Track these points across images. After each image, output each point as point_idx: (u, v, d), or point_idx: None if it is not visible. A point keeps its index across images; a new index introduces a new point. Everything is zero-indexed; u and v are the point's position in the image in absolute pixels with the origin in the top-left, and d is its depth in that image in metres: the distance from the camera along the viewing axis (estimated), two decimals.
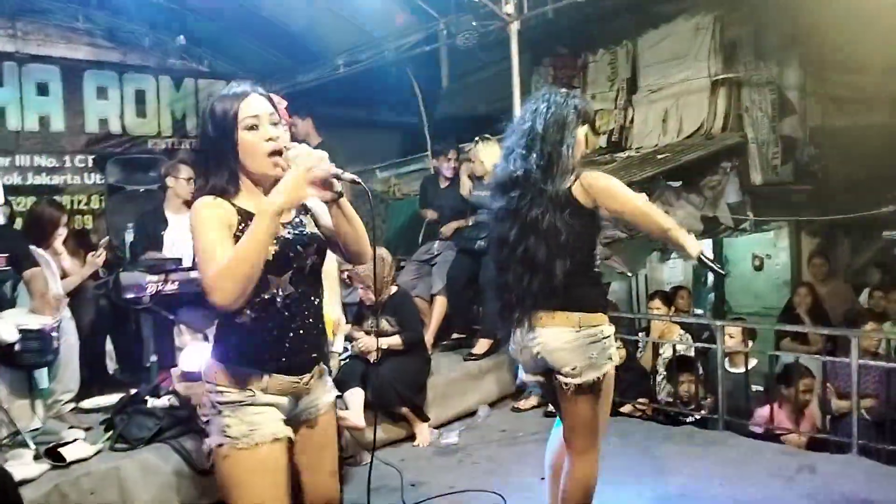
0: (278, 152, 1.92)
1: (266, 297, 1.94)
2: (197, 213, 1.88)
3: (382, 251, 4.53)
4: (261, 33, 7.25)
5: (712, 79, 6.29)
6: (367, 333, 4.40)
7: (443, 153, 5.92)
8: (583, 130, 2.61)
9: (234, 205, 1.93)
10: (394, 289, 4.52)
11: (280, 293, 1.96)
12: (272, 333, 1.96)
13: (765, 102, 6.34)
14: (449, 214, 5.74)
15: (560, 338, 2.49)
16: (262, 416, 1.95)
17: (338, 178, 1.94)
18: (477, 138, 5.49)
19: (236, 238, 1.87)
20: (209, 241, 1.84)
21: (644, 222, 2.52)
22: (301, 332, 2.00)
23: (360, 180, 2.03)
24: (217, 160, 1.94)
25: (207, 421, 2.00)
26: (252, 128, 1.91)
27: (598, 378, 2.49)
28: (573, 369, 2.47)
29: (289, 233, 1.99)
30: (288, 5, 6.77)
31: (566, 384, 2.49)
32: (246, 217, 1.91)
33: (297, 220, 2.04)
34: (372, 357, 4.26)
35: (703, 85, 6.35)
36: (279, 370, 1.97)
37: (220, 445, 1.93)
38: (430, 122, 7.76)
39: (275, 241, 1.90)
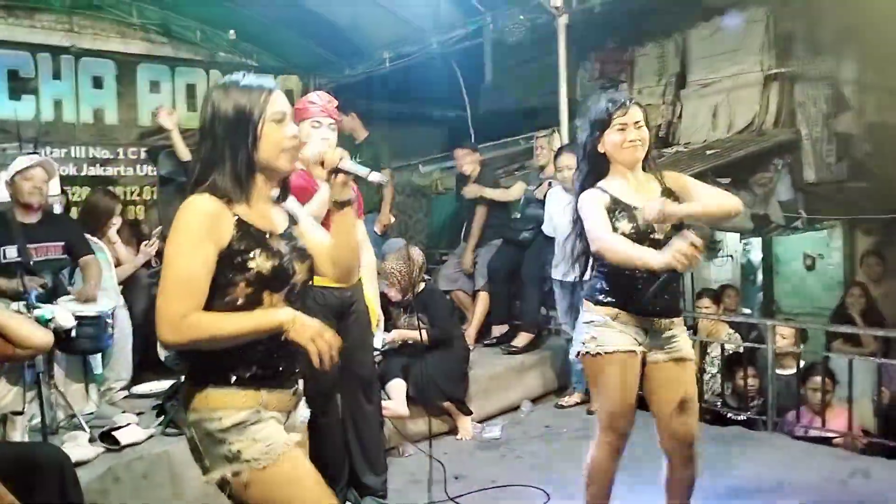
0: (297, 149, 1.87)
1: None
2: (187, 213, 1.71)
3: (413, 251, 4.54)
4: (307, 28, 7.31)
5: (765, 73, 6.16)
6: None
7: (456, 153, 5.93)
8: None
9: (234, 214, 1.76)
10: (422, 286, 4.52)
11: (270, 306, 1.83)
12: (266, 349, 1.80)
13: (819, 98, 6.18)
14: (474, 210, 5.71)
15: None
16: (270, 429, 1.80)
17: (359, 177, 1.91)
18: (555, 129, 5.48)
19: (221, 256, 1.72)
20: (186, 266, 1.68)
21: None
22: (290, 346, 1.80)
23: (385, 183, 2.03)
24: (232, 153, 1.77)
25: (199, 457, 1.80)
26: (279, 121, 1.82)
27: (579, 353, 2.65)
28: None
29: (286, 246, 1.85)
30: (335, 0, 6.82)
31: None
32: (243, 232, 1.75)
33: (288, 231, 1.90)
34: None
35: (756, 79, 6.23)
36: (273, 386, 1.83)
37: (237, 474, 1.75)
38: (474, 116, 7.75)
39: (273, 256, 1.78)
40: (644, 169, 2.65)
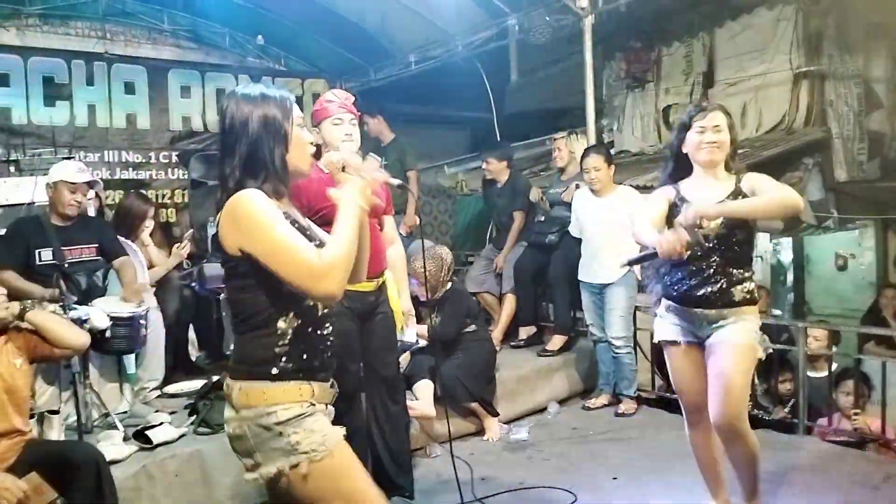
0: (316, 156, 1.97)
1: (308, 303, 1.86)
2: (255, 203, 1.75)
3: (443, 250, 4.55)
4: (335, 32, 7.39)
5: (794, 72, 6.09)
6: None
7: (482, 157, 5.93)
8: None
9: (282, 210, 1.84)
10: (448, 285, 4.52)
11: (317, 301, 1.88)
12: (313, 339, 1.88)
13: (850, 96, 6.08)
14: (501, 214, 5.74)
15: None
16: (322, 421, 1.86)
17: (388, 184, 2.00)
18: (571, 130, 5.48)
19: None
20: (285, 232, 1.74)
21: None
22: (332, 337, 1.93)
23: (406, 185, 2.13)
24: (271, 156, 1.84)
25: (250, 453, 1.82)
26: (301, 127, 1.93)
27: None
28: None
29: (318, 242, 1.90)
30: (362, 4, 6.89)
31: None
32: (293, 226, 1.82)
33: (305, 223, 1.96)
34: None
35: (785, 78, 6.15)
36: (320, 378, 1.89)
37: (295, 466, 1.78)
38: (499, 118, 7.76)
39: (317, 242, 1.85)
40: (727, 169, 2.82)
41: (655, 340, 3.01)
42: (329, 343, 1.93)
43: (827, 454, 3.90)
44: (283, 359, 1.82)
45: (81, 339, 3.07)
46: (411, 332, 3.76)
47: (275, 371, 1.81)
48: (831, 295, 7.06)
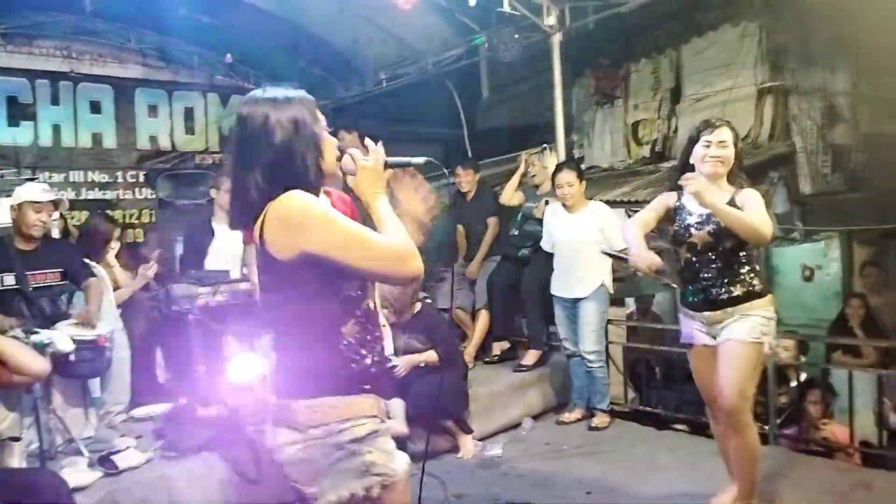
0: (340, 156, 1.84)
1: (365, 306, 1.75)
2: (311, 201, 1.66)
3: None
4: (305, 50, 7.38)
5: (759, 87, 6.18)
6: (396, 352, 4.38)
7: (455, 169, 5.95)
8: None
9: None
10: (418, 306, 4.50)
11: (372, 302, 1.79)
12: (371, 346, 1.76)
13: (813, 110, 6.20)
14: (474, 225, 5.76)
15: None
16: (391, 442, 1.74)
17: (409, 164, 1.90)
18: (546, 146, 5.51)
19: None
20: (353, 224, 1.65)
21: None
22: (383, 347, 1.82)
23: (433, 160, 1.95)
24: (302, 161, 1.73)
25: (317, 477, 1.67)
26: (324, 129, 1.83)
27: None
28: None
29: None
30: (331, 22, 6.88)
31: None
32: None
33: None
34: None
35: (750, 93, 6.25)
36: (381, 392, 1.77)
37: (369, 489, 1.67)
38: (470, 135, 7.79)
39: None
40: (731, 182, 3.01)
41: (684, 340, 3.19)
42: (382, 350, 1.81)
43: (796, 463, 3.93)
44: (349, 369, 1.70)
45: (42, 366, 2.99)
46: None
47: (342, 383, 1.69)
48: (798, 306, 7.16)
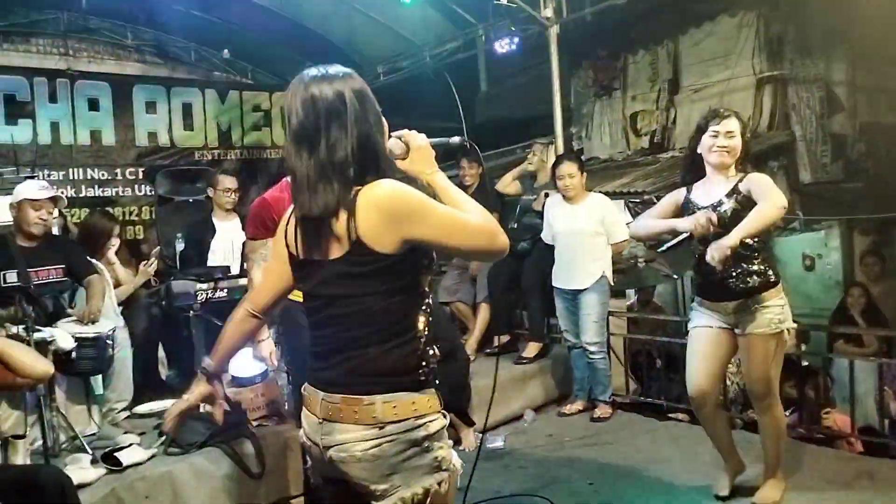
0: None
1: (430, 300, 1.73)
2: (406, 188, 1.61)
3: None
4: (302, 45, 7.36)
5: (757, 77, 6.18)
6: None
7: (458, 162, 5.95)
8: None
9: None
10: None
11: (431, 297, 1.77)
12: (432, 343, 1.72)
13: (812, 99, 6.20)
14: None
15: None
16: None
17: (448, 145, 1.91)
18: (549, 139, 5.50)
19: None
20: (444, 206, 1.64)
21: None
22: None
23: (468, 141, 1.99)
24: (381, 144, 1.68)
25: (388, 475, 1.63)
26: None
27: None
28: None
29: None
30: (329, 16, 6.88)
31: None
32: None
33: None
34: None
35: (748, 83, 6.25)
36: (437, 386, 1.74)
37: (441, 484, 1.66)
38: (469, 128, 7.78)
39: None
40: (738, 170, 3.04)
41: (690, 328, 3.21)
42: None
43: (799, 453, 3.94)
44: (426, 363, 1.68)
45: (45, 368, 2.98)
46: None
47: (421, 378, 1.66)
48: (800, 295, 7.16)
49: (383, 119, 1.70)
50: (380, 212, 1.58)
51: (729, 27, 6.45)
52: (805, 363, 4.74)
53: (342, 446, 1.64)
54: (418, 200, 1.60)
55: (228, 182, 4.75)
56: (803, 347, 4.79)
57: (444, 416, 1.71)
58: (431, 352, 1.71)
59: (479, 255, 1.75)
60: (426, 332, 1.70)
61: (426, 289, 1.72)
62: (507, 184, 5.70)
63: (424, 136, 1.80)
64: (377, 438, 1.61)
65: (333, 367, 1.68)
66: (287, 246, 1.77)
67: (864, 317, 5.57)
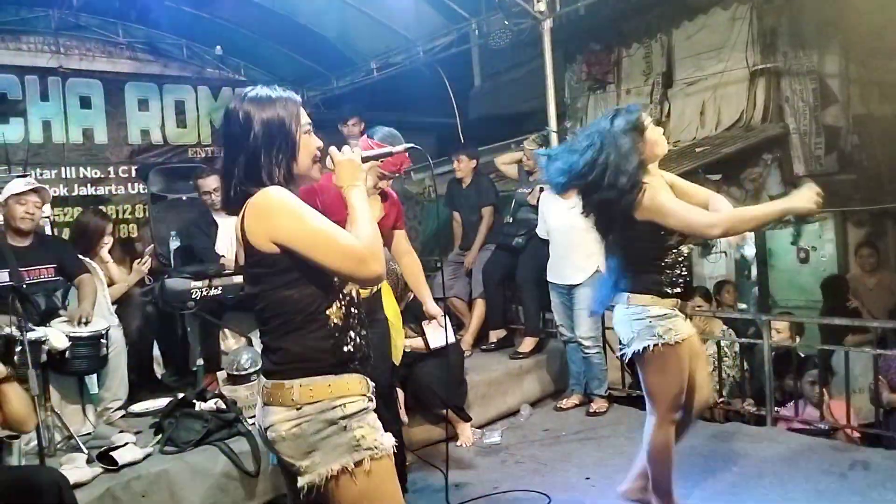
0: (321, 159, 1.95)
1: (347, 292, 1.88)
2: (285, 197, 1.77)
3: (393, 264, 4.52)
4: (295, 41, 7.33)
5: (751, 69, 6.18)
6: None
7: (453, 156, 5.95)
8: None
9: None
10: (411, 296, 4.47)
11: (354, 290, 1.91)
12: (359, 327, 1.89)
13: (806, 92, 6.20)
14: (469, 214, 5.76)
15: (617, 314, 2.93)
16: (377, 420, 1.86)
17: (389, 154, 2.09)
18: (542, 134, 5.49)
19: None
20: (321, 221, 1.76)
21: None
22: (365, 329, 1.93)
23: (418, 147, 2.12)
24: (276, 162, 1.84)
25: (309, 452, 1.78)
26: (307, 133, 1.91)
27: (641, 349, 2.81)
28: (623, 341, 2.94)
29: None
30: (321, 12, 6.84)
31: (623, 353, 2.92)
32: None
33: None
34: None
35: (742, 76, 6.25)
36: (368, 371, 1.90)
37: (360, 463, 1.78)
38: (463, 122, 7.76)
39: None
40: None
41: (680, 338, 2.80)
42: (366, 332, 1.93)
43: (795, 444, 3.96)
44: (341, 349, 1.82)
45: (32, 423, 2.93)
46: (440, 334, 3.77)
47: (335, 362, 1.81)
48: (794, 287, 7.19)
49: (297, 143, 1.87)
50: (255, 215, 1.77)
51: (722, 20, 6.45)
52: (802, 355, 4.75)
53: (273, 427, 1.81)
54: (290, 207, 1.76)
55: (209, 183, 4.69)
56: (798, 340, 4.80)
57: (370, 399, 1.87)
58: (354, 339, 1.86)
59: (343, 277, 1.81)
60: (342, 321, 1.84)
61: (336, 281, 1.83)
62: (507, 162, 5.72)
63: (350, 150, 1.94)
64: (297, 419, 1.78)
65: (267, 356, 1.88)
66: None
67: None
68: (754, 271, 7.74)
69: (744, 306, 7.21)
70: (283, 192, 1.78)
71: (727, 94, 6.34)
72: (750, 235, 7.41)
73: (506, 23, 5.82)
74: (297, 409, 1.78)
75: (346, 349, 1.83)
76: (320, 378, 1.79)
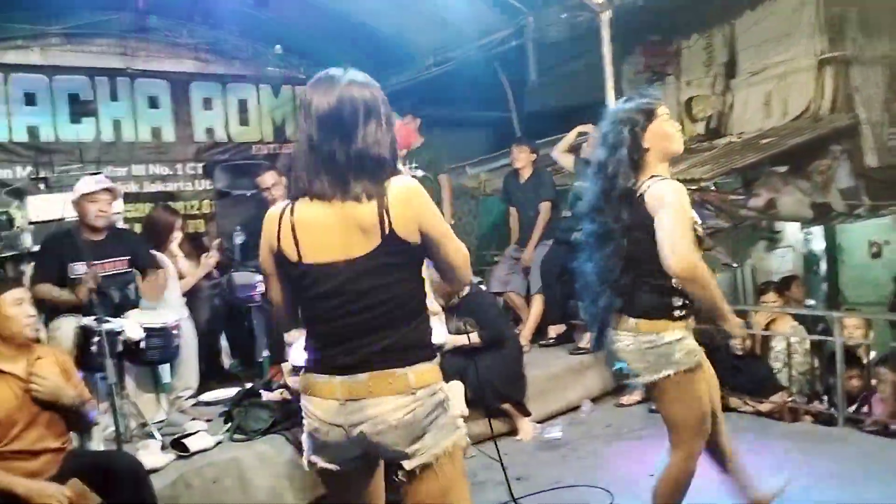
0: None
1: None
2: (423, 190, 1.85)
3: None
4: (352, 38, 7.40)
5: (818, 58, 5.97)
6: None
7: (514, 146, 5.93)
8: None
9: None
10: (466, 290, 4.47)
11: None
12: None
13: (877, 80, 5.96)
14: (527, 209, 5.73)
15: (621, 342, 2.61)
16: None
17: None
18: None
19: None
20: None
21: None
22: None
23: (428, 175, 2.27)
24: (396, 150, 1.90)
25: (419, 436, 1.83)
26: None
27: (657, 380, 2.54)
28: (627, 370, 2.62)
29: None
30: (377, 9, 6.89)
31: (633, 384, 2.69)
32: None
33: None
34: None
35: (809, 65, 6.04)
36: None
37: (458, 443, 1.91)
38: (519, 117, 7.73)
39: None
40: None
41: (700, 360, 2.59)
42: None
43: (868, 445, 3.83)
44: (431, 338, 1.95)
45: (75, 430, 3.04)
46: (438, 331, 3.76)
47: (432, 351, 1.91)
48: (865, 283, 6.94)
49: None
50: (404, 202, 1.77)
51: (787, 7, 6.24)
52: (873, 353, 4.59)
53: (377, 418, 1.80)
54: (428, 198, 1.83)
55: (266, 180, 4.82)
56: (871, 336, 4.63)
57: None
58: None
59: (453, 273, 1.89)
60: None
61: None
62: (563, 150, 5.67)
63: None
64: (412, 404, 1.80)
65: (355, 351, 1.82)
66: (286, 256, 1.90)
67: None
68: (823, 266, 7.50)
69: (812, 302, 7.00)
70: (416, 181, 1.85)
71: (794, 83, 6.14)
72: (818, 229, 7.19)
73: (563, 16, 5.78)
74: (413, 393, 1.81)
75: (433, 338, 1.95)
76: (426, 364, 1.86)
